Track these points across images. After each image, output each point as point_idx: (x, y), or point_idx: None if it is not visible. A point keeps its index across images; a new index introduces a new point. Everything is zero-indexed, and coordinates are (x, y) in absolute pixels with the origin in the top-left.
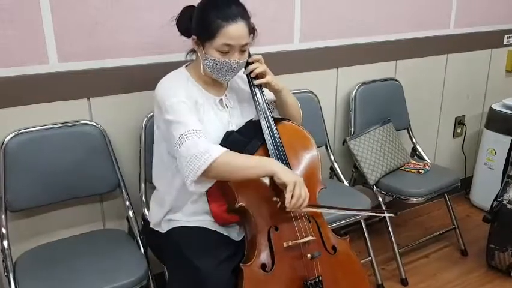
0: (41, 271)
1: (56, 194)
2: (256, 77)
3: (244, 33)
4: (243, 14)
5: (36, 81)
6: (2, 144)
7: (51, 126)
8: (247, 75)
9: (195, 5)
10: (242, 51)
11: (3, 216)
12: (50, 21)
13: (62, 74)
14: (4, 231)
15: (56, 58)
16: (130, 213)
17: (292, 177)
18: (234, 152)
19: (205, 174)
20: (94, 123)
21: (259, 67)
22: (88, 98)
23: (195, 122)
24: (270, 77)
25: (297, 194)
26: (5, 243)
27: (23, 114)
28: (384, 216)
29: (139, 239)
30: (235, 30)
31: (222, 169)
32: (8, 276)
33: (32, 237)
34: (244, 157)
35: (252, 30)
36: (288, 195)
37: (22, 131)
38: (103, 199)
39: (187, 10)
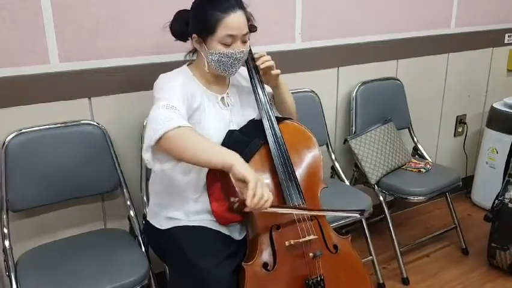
0: (43, 271)
1: (57, 193)
2: (259, 74)
3: (243, 23)
4: (240, 3)
5: (38, 81)
6: (3, 144)
7: (52, 126)
8: (248, 72)
9: (188, 8)
10: (244, 42)
11: (4, 216)
12: (51, 21)
13: (63, 73)
14: (5, 230)
15: (57, 58)
16: (131, 213)
17: (254, 175)
18: (197, 132)
19: (162, 142)
20: (95, 123)
21: (269, 62)
22: (89, 98)
23: (179, 102)
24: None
25: (259, 194)
26: (7, 242)
27: (24, 114)
28: (385, 216)
29: (140, 238)
30: (235, 20)
31: (178, 142)
32: (9, 276)
33: (34, 237)
34: (206, 140)
35: (250, 25)
36: (249, 193)
37: (23, 130)
38: (104, 198)
39: (180, 15)
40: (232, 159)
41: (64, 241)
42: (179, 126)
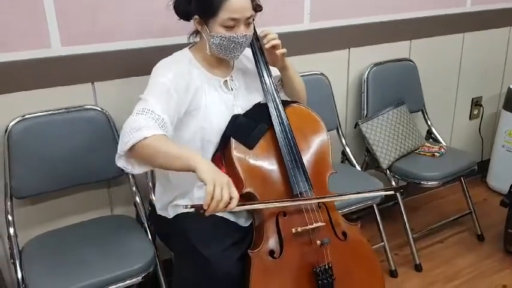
0: (48, 258)
1: (61, 180)
2: (263, 55)
3: (247, 5)
4: None
5: (40, 65)
6: (6, 130)
7: (55, 111)
8: (253, 53)
9: None
10: (247, 24)
11: (8, 203)
12: (52, 4)
13: (66, 58)
14: (10, 218)
15: (58, 42)
16: (137, 199)
17: (212, 177)
18: (166, 139)
19: (133, 151)
20: (99, 108)
21: (275, 40)
22: (92, 83)
23: (159, 107)
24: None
25: (216, 196)
26: (11, 230)
27: (27, 100)
28: (398, 201)
29: (146, 225)
30: (238, 2)
31: (147, 151)
32: (14, 263)
33: (39, 224)
34: (173, 146)
35: (256, 4)
36: (206, 198)
37: (26, 116)
38: (110, 185)
39: None
40: (194, 165)
41: (69, 228)
42: (145, 138)
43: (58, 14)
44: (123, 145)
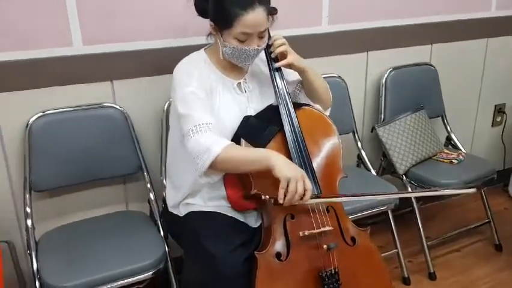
0: (62, 250)
1: (79, 175)
2: (277, 59)
3: (262, 20)
4: None
5: (61, 63)
6: (27, 125)
7: (75, 108)
8: (266, 58)
9: None
10: (261, 37)
11: (27, 196)
12: (74, 3)
13: (86, 56)
14: (28, 210)
15: (80, 41)
16: (151, 196)
17: (286, 173)
18: (236, 146)
19: (212, 168)
20: (117, 106)
21: (280, 47)
22: (111, 81)
23: (203, 115)
24: (291, 57)
25: (291, 190)
26: (29, 221)
27: (48, 96)
28: (414, 208)
29: (159, 222)
30: (252, 18)
31: (225, 165)
32: (30, 254)
33: (56, 217)
34: (245, 151)
35: (270, 12)
36: (279, 192)
37: (47, 112)
38: (126, 181)
39: None
40: (271, 163)
41: (85, 222)
42: (216, 156)
43: (80, 14)
44: (200, 168)
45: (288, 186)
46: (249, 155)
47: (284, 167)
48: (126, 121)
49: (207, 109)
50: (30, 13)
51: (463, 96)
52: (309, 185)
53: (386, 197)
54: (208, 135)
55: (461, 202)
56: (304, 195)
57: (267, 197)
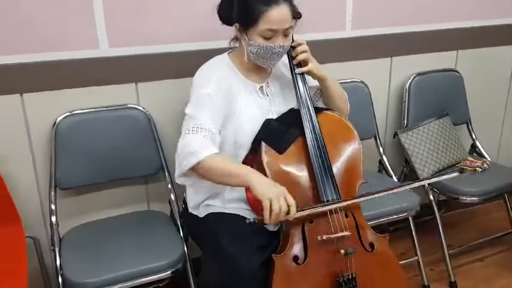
0: (84, 248)
1: (103, 174)
2: (299, 64)
3: (287, 17)
4: None
5: (88, 65)
6: (54, 124)
7: (100, 108)
8: (289, 62)
9: None
10: (286, 35)
11: (52, 193)
12: (101, 6)
13: (112, 58)
14: (53, 207)
15: (106, 43)
16: (172, 197)
17: (267, 193)
18: (219, 157)
19: (193, 171)
20: (141, 108)
21: (302, 54)
22: (136, 83)
23: (208, 120)
24: (312, 65)
25: (275, 209)
26: (53, 218)
27: (74, 97)
28: (435, 215)
29: (179, 222)
30: (277, 14)
31: (204, 172)
32: (53, 250)
33: (80, 215)
34: (226, 165)
35: (294, 16)
36: (264, 213)
37: (74, 112)
38: (148, 181)
39: None
40: (249, 182)
41: (107, 220)
42: (199, 162)
43: (106, 17)
44: (180, 168)
45: (271, 206)
46: (229, 169)
47: (262, 186)
48: (149, 122)
49: (214, 116)
50: (60, 17)
51: (488, 104)
52: (291, 200)
53: (386, 193)
54: (202, 139)
55: (485, 211)
56: (289, 211)
57: (251, 219)
